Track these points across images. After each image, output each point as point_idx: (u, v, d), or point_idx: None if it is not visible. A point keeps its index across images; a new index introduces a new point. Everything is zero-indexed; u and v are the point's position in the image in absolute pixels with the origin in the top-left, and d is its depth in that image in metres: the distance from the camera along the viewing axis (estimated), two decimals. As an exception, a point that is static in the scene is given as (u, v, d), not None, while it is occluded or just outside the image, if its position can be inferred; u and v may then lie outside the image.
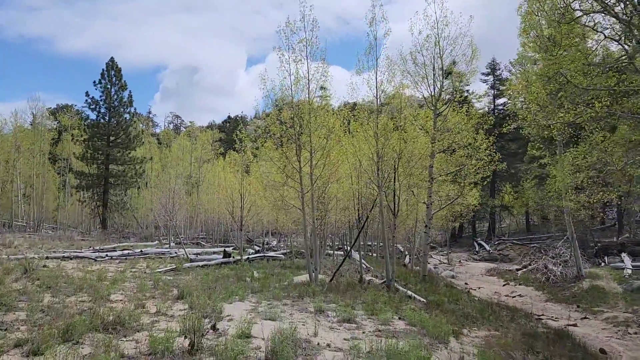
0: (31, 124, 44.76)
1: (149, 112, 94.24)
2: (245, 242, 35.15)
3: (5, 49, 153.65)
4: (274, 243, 37.52)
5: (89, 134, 39.91)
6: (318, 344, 7.01)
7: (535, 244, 33.19)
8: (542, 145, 27.10)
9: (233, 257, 21.84)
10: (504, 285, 22.74)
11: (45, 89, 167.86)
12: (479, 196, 28.55)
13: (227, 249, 24.25)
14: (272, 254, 25.00)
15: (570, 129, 15.60)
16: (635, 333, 11.56)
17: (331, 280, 14.47)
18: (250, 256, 22.98)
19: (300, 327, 7.75)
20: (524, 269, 26.25)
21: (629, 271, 19.71)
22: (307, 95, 14.34)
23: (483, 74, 48.57)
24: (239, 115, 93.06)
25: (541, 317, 13.99)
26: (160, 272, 16.22)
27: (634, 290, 16.13)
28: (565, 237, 33.30)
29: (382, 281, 15.75)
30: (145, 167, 43.23)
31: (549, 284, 20.78)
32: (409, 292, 13.33)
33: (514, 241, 40.20)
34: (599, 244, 27.58)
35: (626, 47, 12.09)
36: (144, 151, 47.55)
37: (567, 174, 17.40)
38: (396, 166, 15.19)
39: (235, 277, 15.58)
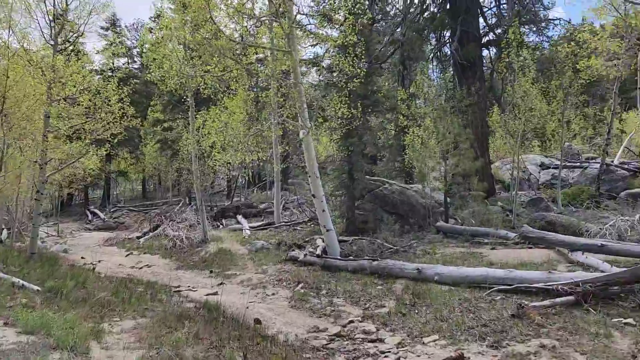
0: None
1: None
2: None
3: None
4: None
5: None
6: None
7: (155, 210, 32.31)
8: (167, 108, 26.11)
9: None
10: (127, 255, 20.66)
11: None
12: (98, 160, 25.50)
13: None
14: None
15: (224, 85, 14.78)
16: (273, 294, 11.64)
17: None
18: None
19: None
20: (145, 236, 24.90)
21: (248, 232, 20.90)
22: None
23: (102, 28, 44.11)
24: None
25: (179, 288, 12.73)
26: None
27: (257, 250, 16.84)
28: (182, 202, 33.84)
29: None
30: None
31: (176, 250, 19.96)
32: (16, 279, 9.74)
33: (131, 208, 38.58)
34: (215, 208, 28.84)
35: None
36: None
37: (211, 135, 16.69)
38: (0, 108, 10.99)
39: None
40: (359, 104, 11.94)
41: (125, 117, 15.34)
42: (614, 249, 10.71)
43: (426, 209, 16.71)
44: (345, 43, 11.83)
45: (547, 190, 22.86)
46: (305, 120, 12.48)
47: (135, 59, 47.38)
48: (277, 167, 21.16)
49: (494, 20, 22.48)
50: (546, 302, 7.91)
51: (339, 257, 12.94)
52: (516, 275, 9.01)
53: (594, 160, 24.96)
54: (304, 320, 9.43)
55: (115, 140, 15.86)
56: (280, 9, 12.12)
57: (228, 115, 19.32)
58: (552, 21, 24.34)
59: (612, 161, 23.58)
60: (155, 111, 34.43)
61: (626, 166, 23.00)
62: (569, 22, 26.29)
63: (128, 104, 15.52)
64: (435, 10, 22.25)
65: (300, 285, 11.92)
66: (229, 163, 25.78)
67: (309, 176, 13.30)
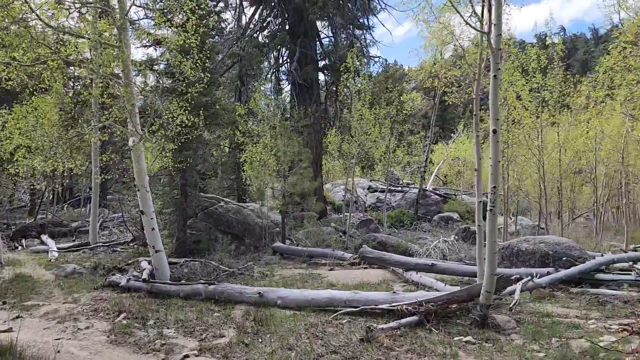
0: None
1: None
2: None
3: None
4: None
5: None
6: None
7: None
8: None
9: None
10: None
11: None
12: None
13: None
14: None
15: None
16: (88, 328, 9.76)
17: None
18: None
19: None
20: None
21: (55, 254, 17.92)
22: None
23: None
24: None
25: (-44, 326, 10.01)
26: None
27: (67, 275, 14.36)
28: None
29: None
30: None
31: (-45, 277, 16.14)
32: None
33: None
34: (13, 226, 24.48)
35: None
36: None
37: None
38: None
39: None
40: (200, 112, 10.92)
41: None
42: (441, 268, 11.37)
43: (262, 229, 16.13)
44: (187, 44, 10.77)
45: (373, 212, 24.20)
46: (137, 126, 10.99)
47: None
48: (96, 180, 18.67)
49: (330, 47, 23.29)
50: (393, 324, 7.80)
51: (169, 282, 11.55)
52: (362, 297, 8.83)
53: (413, 186, 27.31)
54: (127, 359, 7.96)
55: None
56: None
57: (38, 116, 16.37)
58: (373, 58, 26.17)
59: (426, 187, 25.99)
60: None
61: (438, 192, 25.52)
62: (386, 61, 28.95)
63: None
64: (276, 29, 22.29)
65: (122, 316, 10.24)
66: (33, 174, 22.15)
67: (138, 190, 11.70)
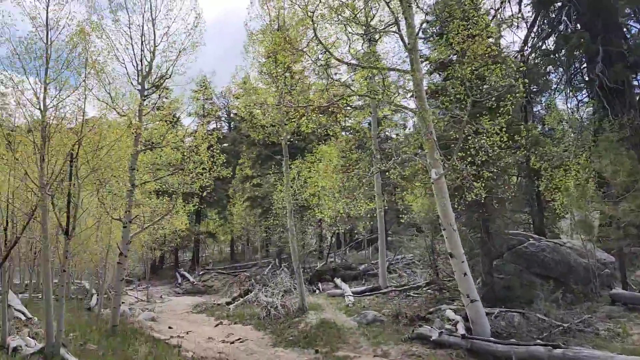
0: None
1: None
2: None
3: None
4: None
5: None
6: None
7: (245, 272, 30.17)
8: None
9: None
10: (216, 325, 18.24)
11: None
12: (186, 218, 24.00)
13: None
14: None
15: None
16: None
17: None
18: None
19: None
20: (235, 302, 22.50)
21: (351, 299, 17.79)
22: None
23: (194, 90, 44.78)
24: None
25: (281, 378, 9.85)
26: None
27: (369, 323, 13.67)
28: (272, 264, 31.50)
29: (37, 349, 9.33)
30: None
31: (270, 319, 17.20)
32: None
33: (219, 270, 36.85)
34: (309, 269, 26.12)
35: None
36: None
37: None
38: (75, 153, 9.09)
39: None
40: (523, 128, 8.94)
41: (214, 167, 13.39)
42: None
43: (589, 271, 12.80)
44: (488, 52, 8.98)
45: None
46: (438, 156, 9.57)
47: (223, 123, 48.43)
48: (382, 221, 18.22)
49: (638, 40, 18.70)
50: None
51: (492, 339, 9.47)
52: None
53: None
54: None
55: (204, 193, 13.85)
56: (399, 16, 9.60)
57: (327, 163, 16.89)
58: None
59: None
60: (244, 167, 33.28)
61: None
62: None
63: (218, 151, 13.59)
64: (566, 30, 18.93)
65: (446, 381, 8.60)
66: (322, 220, 23.35)
67: (444, 229, 10.17)
